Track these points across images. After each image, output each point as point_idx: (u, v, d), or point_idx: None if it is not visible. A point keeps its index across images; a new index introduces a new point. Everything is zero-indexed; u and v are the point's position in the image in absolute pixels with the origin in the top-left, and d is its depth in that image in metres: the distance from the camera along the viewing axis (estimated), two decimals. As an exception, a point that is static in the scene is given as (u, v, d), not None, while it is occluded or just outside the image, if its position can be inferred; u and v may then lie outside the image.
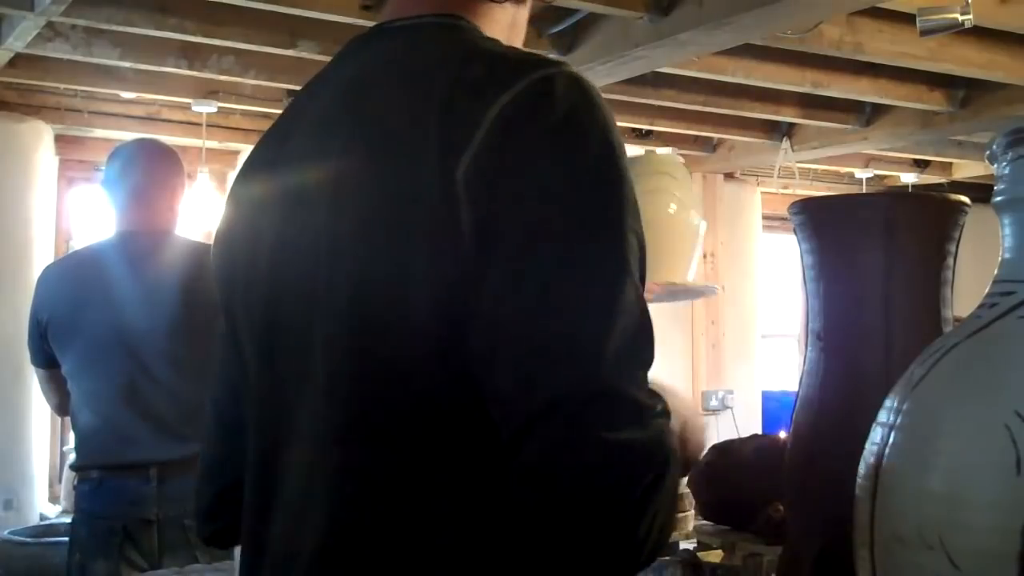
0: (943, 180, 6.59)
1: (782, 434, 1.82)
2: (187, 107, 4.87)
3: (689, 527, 1.87)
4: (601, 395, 0.79)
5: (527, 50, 0.99)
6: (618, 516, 0.78)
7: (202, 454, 1.15)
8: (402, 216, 0.87)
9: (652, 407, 0.81)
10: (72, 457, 2.73)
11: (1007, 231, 0.94)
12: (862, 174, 6.50)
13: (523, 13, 1.08)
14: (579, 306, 0.82)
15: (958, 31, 3.08)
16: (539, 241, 0.83)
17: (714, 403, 5.79)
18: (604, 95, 0.90)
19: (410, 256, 0.86)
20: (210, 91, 4.61)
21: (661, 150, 4.82)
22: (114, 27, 3.52)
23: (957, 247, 1.25)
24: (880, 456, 0.92)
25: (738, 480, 1.68)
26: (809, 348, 1.28)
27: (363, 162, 0.91)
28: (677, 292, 2.20)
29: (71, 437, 3.80)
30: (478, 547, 0.85)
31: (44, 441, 4.77)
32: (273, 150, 1.04)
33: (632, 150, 5.72)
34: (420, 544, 0.87)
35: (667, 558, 1.71)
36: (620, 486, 0.77)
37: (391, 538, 0.88)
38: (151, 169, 2.59)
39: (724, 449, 1.80)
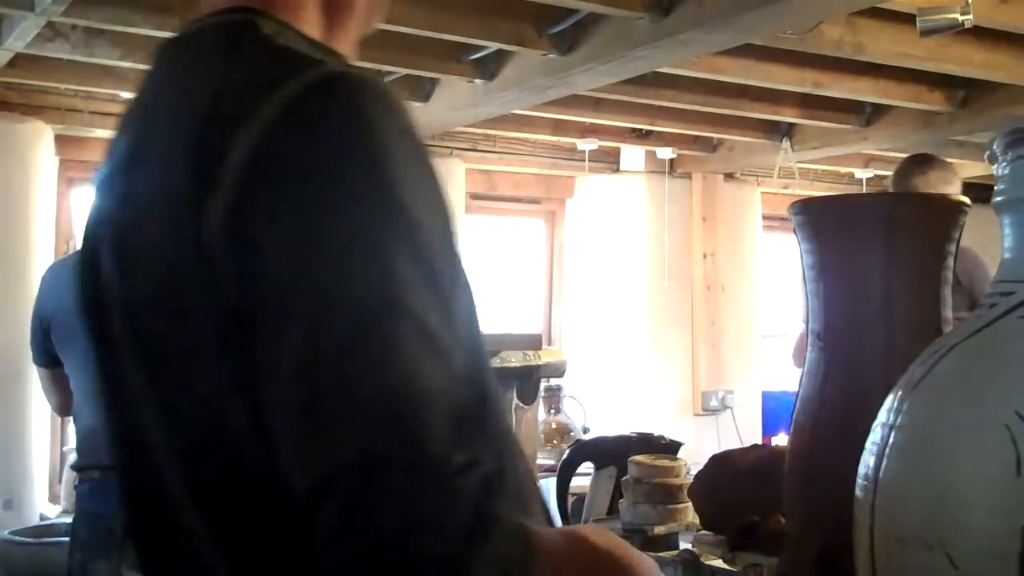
0: (943, 180, 6.58)
1: (782, 436, 1.82)
2: (187, 107, 4.86)
3: (688, 518, 1.87)
4: (381, 462, 0.69)
5: (298, 51, 0.86)
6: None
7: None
8: (171, 280, 0.81)
9: (447, 459, 0.70)
10: (73, 457, 2.73)
11: (1007, 231, 0.94)
12: (862, 174, 6.48)
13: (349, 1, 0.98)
14: (340, 361, 0.72)
15: (958, 31, 3.07)
16: (297, 297, 0.73)
17: (714, 403, 5.79)
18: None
19: (185, 319, 0.80)
20: (210, 91, 4.60)
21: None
22: (114, 27, 3.51)
23: (957, 247, 1.26)
24: (880, 456, 0.92)
25: (738, 491, 1.67)
26: (809, 348, 1.29)
27: (135, 207, 0.87)
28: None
29: (71, 437, 3.79)
30: None
31: (44, 441, 4.76)
32: (106, 160, 0.98)
33: (632, 151, 5.57)
34: None
35: (665, 555, 1.71)
36: (413, 558, 0.68)
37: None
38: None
39: (724, 460, 1.79)
